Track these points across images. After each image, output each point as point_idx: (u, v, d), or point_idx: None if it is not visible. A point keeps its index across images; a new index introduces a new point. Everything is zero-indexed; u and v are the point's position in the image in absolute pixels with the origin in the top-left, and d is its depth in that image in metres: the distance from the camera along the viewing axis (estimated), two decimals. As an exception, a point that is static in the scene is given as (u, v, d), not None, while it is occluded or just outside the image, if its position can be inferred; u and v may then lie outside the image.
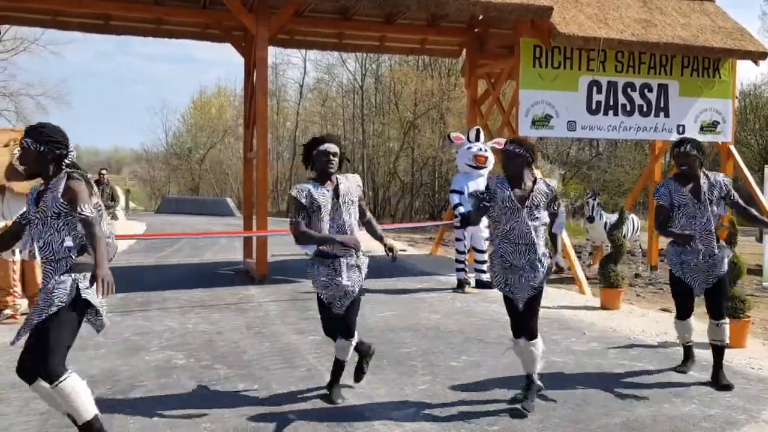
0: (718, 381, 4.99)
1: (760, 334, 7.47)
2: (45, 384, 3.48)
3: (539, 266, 4.43)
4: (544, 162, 24.67)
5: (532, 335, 4.47)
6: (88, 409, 3.57)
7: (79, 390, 3.52)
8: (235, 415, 4.35)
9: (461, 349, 6.12)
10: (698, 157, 5.04)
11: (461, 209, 9.45)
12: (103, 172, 13.80)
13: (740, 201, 5.13)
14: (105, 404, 4.55)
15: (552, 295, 9.23)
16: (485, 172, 9.70)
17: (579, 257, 11.62)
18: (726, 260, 5.08)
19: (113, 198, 13.60)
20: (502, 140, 10.28)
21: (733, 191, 5.09)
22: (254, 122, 11.15)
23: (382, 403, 4.59)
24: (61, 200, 3.51)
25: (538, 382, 4.57)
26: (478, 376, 5.24)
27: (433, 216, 28.79)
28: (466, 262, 9.66)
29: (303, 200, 4.38)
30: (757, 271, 12.12)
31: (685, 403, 4.62)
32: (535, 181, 4.52)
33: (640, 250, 13.47)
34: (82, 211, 3.46)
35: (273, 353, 5.95)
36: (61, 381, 3.45)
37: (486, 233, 9.20)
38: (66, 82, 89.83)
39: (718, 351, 5.06)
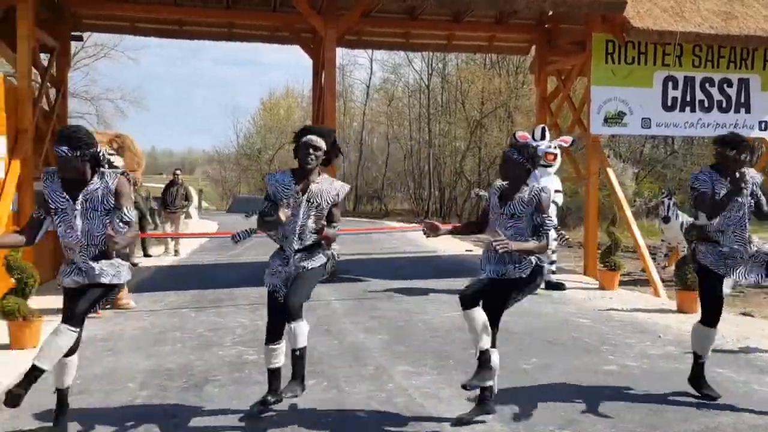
0: None
1: None
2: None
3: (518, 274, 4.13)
4: (616, 161, 23.97)
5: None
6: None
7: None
8: (304, 411, 4.41)
9: (529, 350, 6.02)
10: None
11: None
12: (178, 172, 14.27)
13: (762, 200, 4.72)
14: (181, 397, 4.72)
15: (624, 298, 8.97)
16: (552, 170, 9.49)
17: (654, 259, 11.24)
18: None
19: (187, 197, 14.04)
20: (569, 138, 10.07)
21: (758, 189, 4.72)
22: (323, 123, 11.30)
23: (450, 404, 4.56)
24: (112, 196, 3.77)
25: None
26: (549, 378, 5.14)
27: (500, 216, 28.41)
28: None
29: (269, 188, 4.25)
30: None
31: (770, 412, 4.40)
32: (523, 190, 4.22)
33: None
34: (127, 212, 3.79)
35: (341, 351, 6.00)
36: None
37: (554, 234, 9.01)
38: (142, 87, 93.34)
39: None
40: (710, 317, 4.70)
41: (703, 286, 4.74)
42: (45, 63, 10.45)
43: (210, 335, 6.64)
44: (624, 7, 9.91)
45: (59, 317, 3.83)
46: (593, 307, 8.16)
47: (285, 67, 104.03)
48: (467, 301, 4.11)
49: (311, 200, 4.21)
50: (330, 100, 10.48)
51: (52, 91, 11.20)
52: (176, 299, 8.65)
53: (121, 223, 3.78)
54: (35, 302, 6.40)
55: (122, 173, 3.90)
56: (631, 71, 10.57)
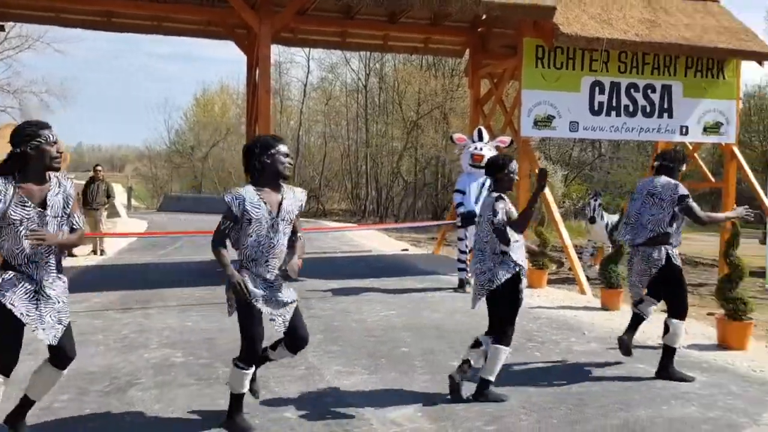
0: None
1: (762, 336, 7.43)
2: None
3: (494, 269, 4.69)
4: (546, 163, 24.61)
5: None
6: None
7: None
8: (233, 414, 4.33)
9: (461, 348, 6.08)
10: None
11: (462, 209, 9.43)
12: (99, 168, 13.80)
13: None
14: (102, 401, 4.56)
15: (552, 296, 9.21)
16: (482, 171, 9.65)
17: (580, 258, 11.59)
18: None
19: (108, 194, 13.62)
20: (507, 139, 10.27)
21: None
22: (257, 120, 11.14)
23: (381, 403, 4.57)
24: (70, 201, 3.68)
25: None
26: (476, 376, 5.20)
27: (436, 216, 28.77)
28: (468, 262, 9.64)
29: (234, 209, 3.91)
30: (760, 273, 12.07)
31: (685, 405, 4.59)
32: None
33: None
34: (78, 220, 3.73)
35: (272, 352, 5.92)
36: None
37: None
38: (69, 80, 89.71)
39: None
40: (685, 311, 5.30)
41: (683, 285, 5.31)
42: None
43: (135, 337, 6.44)
44: (553, 13, 10.18)
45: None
46: (522, 305, 8.31)
47: (222, 63, 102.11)
48: None
49: (285, 217, 4.01)
50: (265, 97, 10.34)
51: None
52: (100, 300, 8.36)
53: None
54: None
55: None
56: (560, 76, 10.86)
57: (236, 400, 4.10)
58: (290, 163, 4.10)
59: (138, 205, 38.25)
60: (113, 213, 18.92)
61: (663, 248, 5.22)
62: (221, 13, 11.36)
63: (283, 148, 4.04)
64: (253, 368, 4.09)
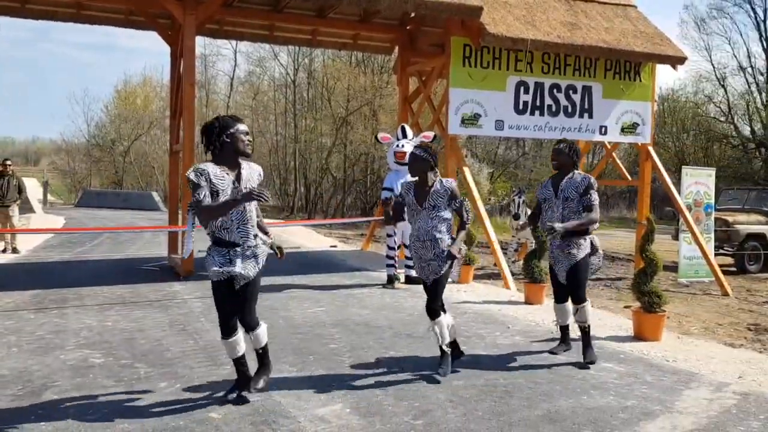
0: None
1: (674, 328, 7.82)
2: None
3: (443, 257, 5.04)
4: (472, 160, 25.06)
5: (435, 313, 5.11)
6: None
7: None
8: (155, 415, 4.20)
9: (389, 344, 6.12)
10: (570, 156, 5.58)
11: (387, 194, 9.57)
12: (8, 162, 13.15)
13: (591, 204, 5.45)
14: (15, 406, 4.34)
15: (478, 290, 9.38)
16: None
17: (505, 253, 11.86)
18: (581, 249, 5.49)
19: (20, 190, 13.01)
20: (430, 134, 10.39)
21: (585, 192, 5.47)
22: (181, 114, 10.84)
23: (308, 400, 4.54)
24: None
25: (447, 350, 5.18)
26: (405, 371, 5.25)
27: (364, 212, 28.83)
28: (396, 258, 9.70)
29: (202, 183, 4.09)
30: (673, 267, 12.70)
31: (603, 395, 4.77)
32: (433, 183, 5.09)
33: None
34: None
35: (197, 351, 5.79)
36: None
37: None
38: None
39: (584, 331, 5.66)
40: (557, 297, 5.81)
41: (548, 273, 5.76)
42: None
43: (51, 338, 6.15)
44: (480, 13, 10.35)
45: None
46: (448, 300, 8.44)
47: (146, 54, 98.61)
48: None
49: (247, 186, 4.21)
50: (189, 89, 10.08)
51: None
52: (12, 300, 7.95)
53: None
54: None
55: None
56: (486, 75, 11.07)
57: (235, 364, 4.52)
58: (249, 141, 4.29)
59: (54, 201, 36.60)
60: (26, 208, 18.04)
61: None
62: (144, 2, 10.97)
63: (242, 127, 4.24)
64: (233, 337, 4.38)
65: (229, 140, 4.18)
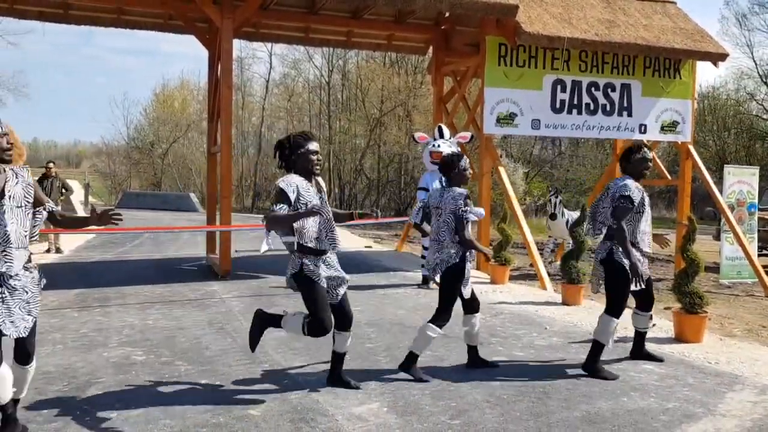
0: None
1: (716, 329, 7.66)
2: None
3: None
4: (507, 160, 24.88)
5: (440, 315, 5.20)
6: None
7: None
8: (196, 412, 4.27)
9: (425, 344, 6.11)
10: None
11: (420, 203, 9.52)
12: (50, 165, 13.51)
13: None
14: (61, 401, 4.46)
15: (514, 291, 9.31)
16: None
17: (541, 254, 11.75)
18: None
19: (65, 188, 13.34)
20: (467, 134, 10.34)
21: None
22: (218, 116, 11.00)
23: (345, 398, 4.56)
24: (31, 191, 3.63)
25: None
26: (442, 371, 5.24)
27: (399, 213, 28.83)
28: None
29: (290, 194, 4.25)
30: (714, 268, 12.43)
31: (644, 397, 4.69)
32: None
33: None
34: (48, 203, 3.73)
35: (235, 349, 5.87)
36: None
37: None
38: (24, 73, 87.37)
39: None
40: (618, 309, 5.22)
41: (621, 283, 5.14)
42: None
43: (94, 336, 6.31)
44: (516, 11, 10.28)
45: None
46: (484, 301, 8.38)
47: (186, 58, 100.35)
48: None
49: (324, 197, 4.47)
50: (226, 92, 10.22)
51: None
52: (57, 298, 8.16)
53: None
54: None
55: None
56: (522, 74, 10.98)
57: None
58: (319, 160, 4.48)
59: (96, 202, 37.43)
60: (69, 209, 18.47)
61: (608, 243, 5.18)
62: (182, 7, 11.17)
63: (312, 147, 4.42)
64: (323, 335, 4.54)
65: (299, 159, 4.39)
